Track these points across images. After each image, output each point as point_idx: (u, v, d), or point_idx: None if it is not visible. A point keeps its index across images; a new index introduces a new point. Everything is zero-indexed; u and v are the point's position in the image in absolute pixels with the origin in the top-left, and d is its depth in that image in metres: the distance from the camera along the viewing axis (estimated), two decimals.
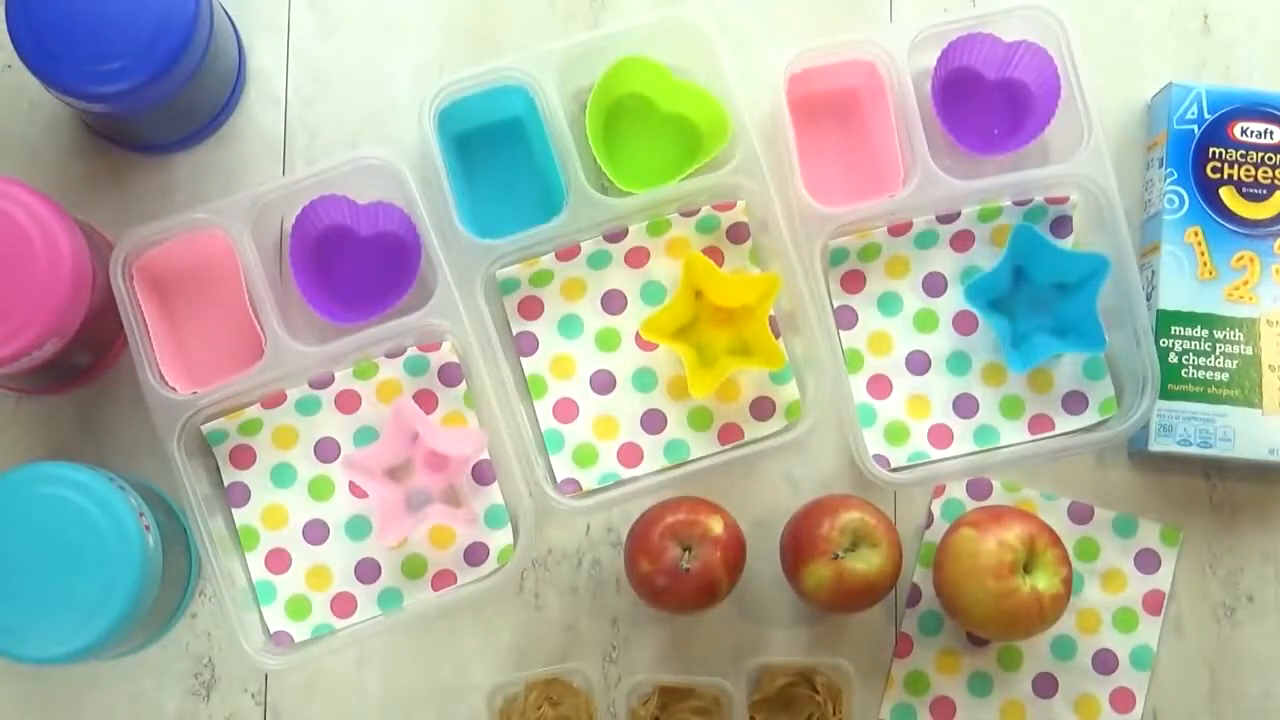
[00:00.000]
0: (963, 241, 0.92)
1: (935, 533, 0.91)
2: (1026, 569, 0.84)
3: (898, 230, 0.91)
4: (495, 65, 0.88)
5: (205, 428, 0.88)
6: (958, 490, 0.92)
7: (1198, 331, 0.90)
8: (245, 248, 0.87)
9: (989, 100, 0.94)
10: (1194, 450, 0.89)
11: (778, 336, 0.89)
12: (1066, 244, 0.92)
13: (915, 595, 0.92)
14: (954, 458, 0.90)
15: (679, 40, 0.89)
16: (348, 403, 0.90)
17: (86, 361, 0.90)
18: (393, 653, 0.91)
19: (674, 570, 0.84)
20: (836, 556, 0.84)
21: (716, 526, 0.85)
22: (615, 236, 0.90)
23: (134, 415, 0.90)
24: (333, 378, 0.89)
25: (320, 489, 0.89)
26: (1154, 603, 0.92)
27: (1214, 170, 0.91)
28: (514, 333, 0.91)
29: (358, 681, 0.91)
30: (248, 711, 0.90)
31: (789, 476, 0.92)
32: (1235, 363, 0.90)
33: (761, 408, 0.91)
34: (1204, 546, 0.93)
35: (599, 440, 0.90)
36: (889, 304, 0.92)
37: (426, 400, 0.90)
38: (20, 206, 0.80)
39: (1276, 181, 0.91)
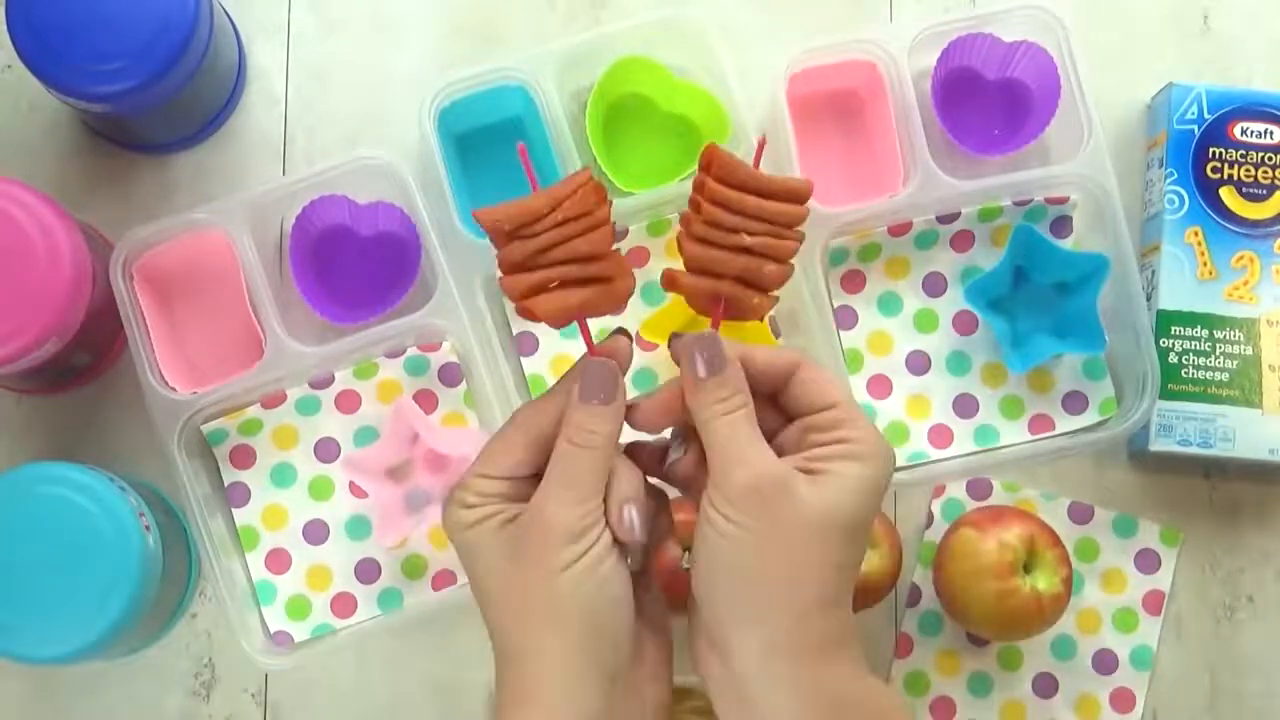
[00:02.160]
0: (963, 241, 0.92)
1: (935, 533, 0.91)
2: (1026, 569, 0.84)
3: (898, 230, 0.91)
4: (495, 65, 0.88)
5: (205, 428, 0.88)
6: (958, 490, 0.92)
7: (1198, 331, 0.90)
8: (245, 248, 0.87)
9: (989, 100, 0.94)
10: (1194, 450, 0.89)
11: (778, 336, 0.89)
12: (1066, 244, 0.92)
13: (915, 595, 0.92)
14: (954, 458, 0.90)
15: (679, 40, 0.89)
16: (348, 403, 0.90)
17: (86, 361, 0.90)
18: (393, 653, 0.91)
19: (674, 570, 0.84)
20: None
21: None
22: (616, 236, 0.90)
23: (134, 415, 0.90)
24: (333, 378, 0.89)
25: (320, 489, 0.89)
26: (1154, 603, 0.92)
27: (1214, 170, 0.91)
28: (514, 333, 0.91)
29: (358, 681, 0.91)
30: (248, 711, 0.90)
31: None
32: (1235, 363, 0.90)
33: None
34: (1204, 546, 0.93)
35: None
36: (889, 304, 0.92)
37: (426, 400, 0.90)
38: (20, 206, 0.80)
39: (1276, 181, 0.91)
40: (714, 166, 0.64)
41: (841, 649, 0.62)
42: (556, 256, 0.62)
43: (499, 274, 0.64)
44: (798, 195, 0.65)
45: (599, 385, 0.63)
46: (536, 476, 0.63)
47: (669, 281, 0.66)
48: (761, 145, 0.66)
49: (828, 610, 0.61)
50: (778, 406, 0.65)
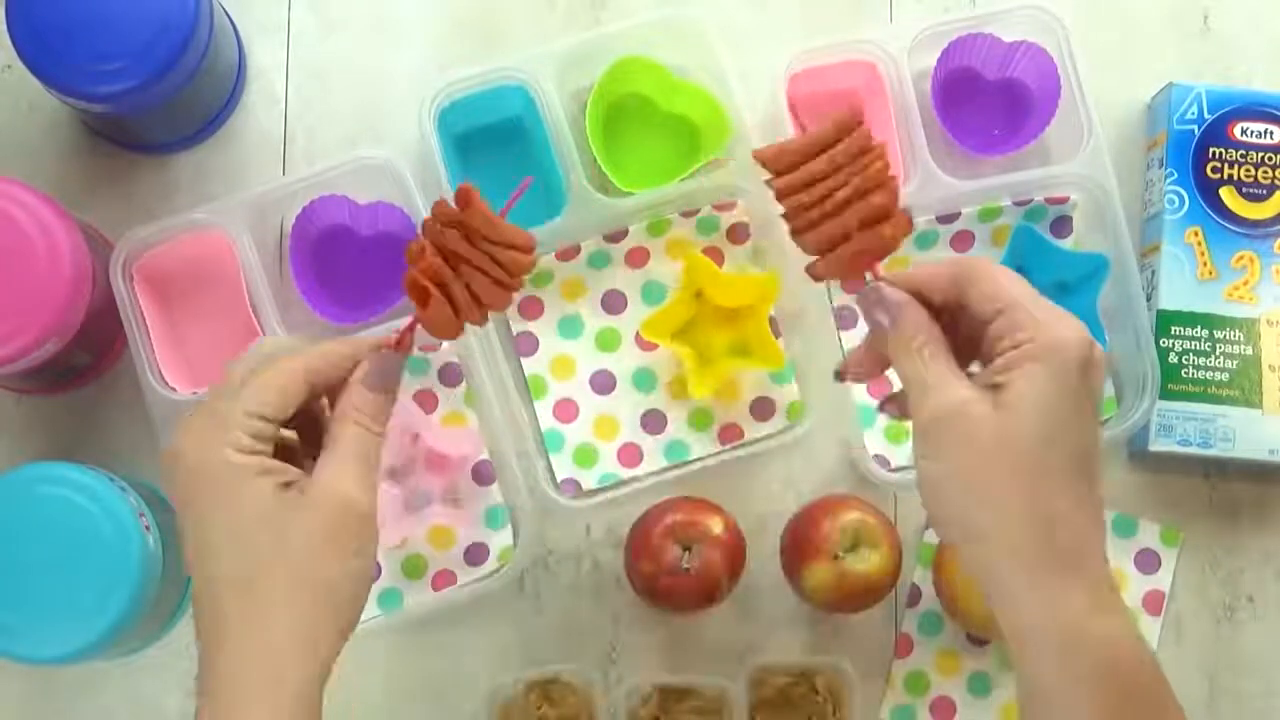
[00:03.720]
0: (963, 241, 0.92)
1: (935, 533, 0.91)
2: None
3: None
4: (495, 65, 0.88)
5: None
6: None
7: (1198, 331, 0.90)
8: (245, 248, 0.87)
9: (989, 100, 0.94)
10: (1194, 450, 0.89)
11: (778, 336, 0.90)
12: (1066, 244, 0.92)
13: (915, 595, 0.92)
14: None
15: (679, 40, 0.89)
16: None
17: (86, 361, 0.90)
18: (393, 653, 0.91)
19: (674, 570, 0.84)
20: (836, 556, 0.84)
21: (716, 526, 0.85)
22: (615, 236, 0.90)
23: (134, 415, 0.90)
24: None
25: None
26: (1154, 603, 0.92)
27: (1214, 170, 0.91)
28: (514, 333, 0.91)
29: (358, 681, 0.91)
30: None
31: (789, 476, 0.92)
32: (1235, 363, 0.90)
33: (761, 408, 0.91)
34: (1204, 546, 0.93)
35: (599, 440, 0.90)
36: None
37: (426, 400, 0.90)
38: (20, 206, 0.80)
39: (1276, 181, 0.91)
40: (769, 164, 0.65)
41: (1070, 569, 0.60)
42: (461, 270, 0.64)
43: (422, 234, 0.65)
44: (846, 126, 0.65)
45: (391, 375, 0.64)
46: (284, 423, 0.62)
47: (821, 271, 0.66)
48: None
49: (1049, 524, 0.59)
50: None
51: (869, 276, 0.65)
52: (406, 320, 0.66)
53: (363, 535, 0.61)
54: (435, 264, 0.64)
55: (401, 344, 0.65)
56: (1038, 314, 0.60)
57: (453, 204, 0.64)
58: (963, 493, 0.61)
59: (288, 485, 0.60)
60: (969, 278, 0.63)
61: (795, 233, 0.66)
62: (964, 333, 0.63)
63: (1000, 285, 0.62)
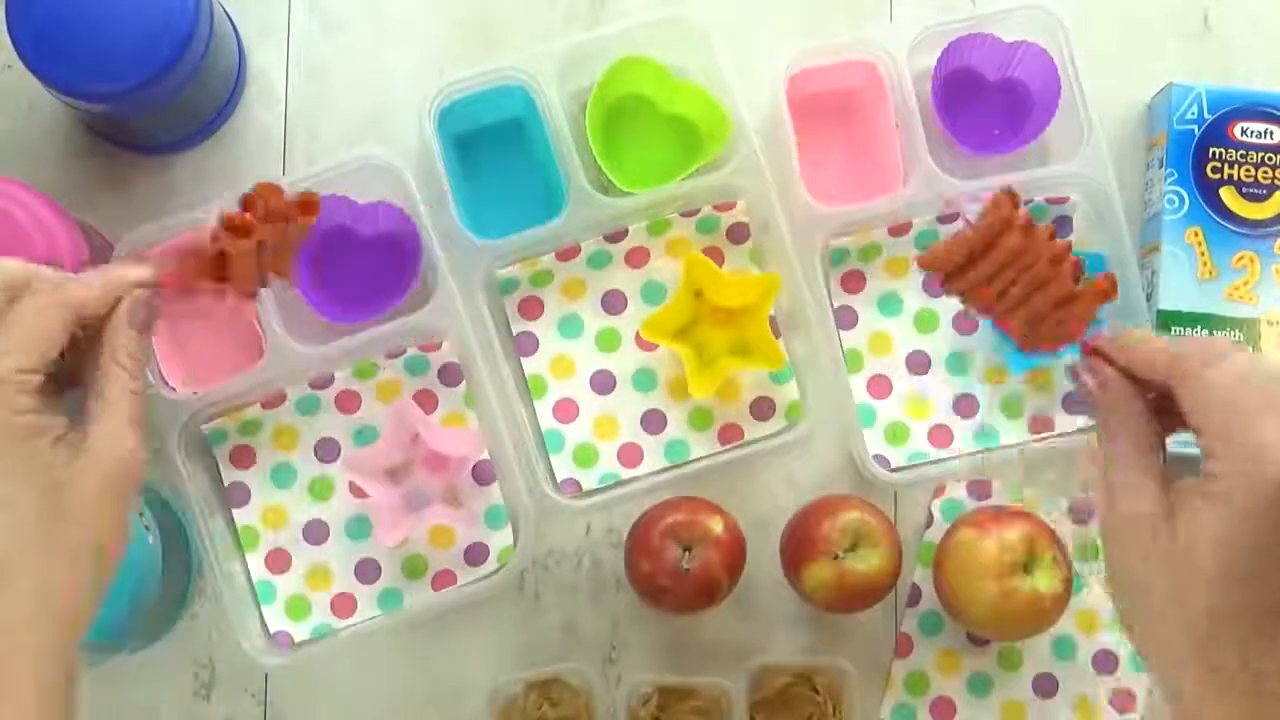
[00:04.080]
0: None
1: (935, 533, 0.91)
2: (1026, 569, 0.84)
3: (898, 230, 0.91)
4: (495, 65, 0.88)
5: (205, 428, 0.88)
6: (958, 490, 0.92)
7: (1198, 331, 0.90)
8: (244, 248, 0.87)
9: (989, 100, 0.94)
10: (1194, 450, 0.89)
11: (778, 336, 0.90)
12: None
13: (915, 595, 0.92)
14: (954, 458, 0.90)
15: (679, 40, 0.89)
16: (348, 403, 0.90)
17: None
18: (393, 653, 0.91)
19: (674, 570, 0.84)
20: (836, 556, 0.84)
21: (716, 526, 0.85)
22: (615, 236, 0.90)
23: None
24: (333, 378, 0.89)
25: (320, 489, 0.90)
26: None
27: (1214, 170, 0.91)
28: (514, 333, 0.91)
29: (358, 681, 0.91)
30: (248, 711, 0.90)
31: (789, 476, 0.92)
32: None
33: (761, 408, 0.91)
34: None
35: (599, 440, 0.90)
36: (889, 304, 0.92)
37: (426, 400, 0.90)
38: (20, 206, 0.80)
39: (1276, 181, 0.91)
40: (934, 271, 0.67)
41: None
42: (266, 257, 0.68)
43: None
44: (998, 223, 0.66)
45: (154, 314, 0.62)
46: None
47: (1030, 349, 0.69)
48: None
49: (1205, 655, 0.54)
50: None
51: (1079, 349, 0.66)
52: (167, 264, 0.65)
53: (135, 488, 0.59)
54: (250, 250, 0.64)
55: (168, 285, 0.63)
56: (1246, 438, 0.54)
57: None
58: (1130, 605, 0.59)
59: (59, 439, 0.57)
60: (1177, 381, 0.58)
61: (1014, 329, 0.67)
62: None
63: (1199, 404, 0.57)
